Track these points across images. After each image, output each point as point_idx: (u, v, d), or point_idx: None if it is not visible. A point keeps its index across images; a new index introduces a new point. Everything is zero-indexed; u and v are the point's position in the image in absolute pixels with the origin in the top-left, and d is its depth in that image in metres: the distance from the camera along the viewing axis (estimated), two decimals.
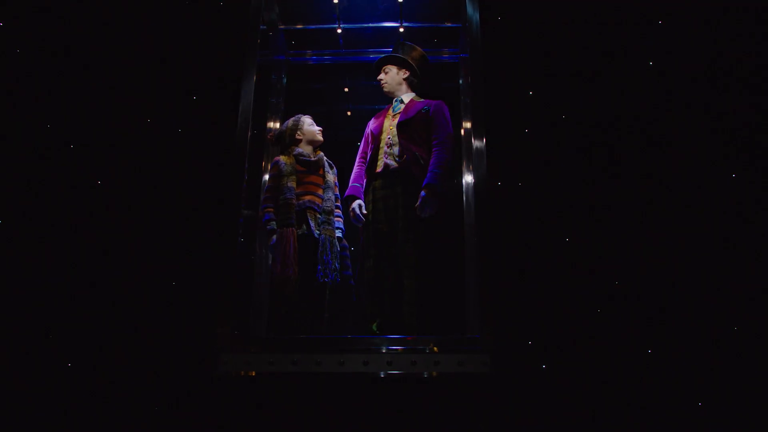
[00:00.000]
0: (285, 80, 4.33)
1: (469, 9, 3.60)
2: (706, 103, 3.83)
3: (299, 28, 4.24)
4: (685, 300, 3.37)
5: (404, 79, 3.87)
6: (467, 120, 3.64)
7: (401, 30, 4.19)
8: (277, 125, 4.13)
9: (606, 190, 3.61)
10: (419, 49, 3.90)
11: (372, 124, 3.84)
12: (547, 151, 3.64)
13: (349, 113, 4.57)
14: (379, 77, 3.90)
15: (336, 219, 3.62)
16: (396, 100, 3.84)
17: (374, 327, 3.48)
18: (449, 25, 4.12)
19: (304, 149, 3.67)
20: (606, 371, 3.20)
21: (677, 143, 3.71)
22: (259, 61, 3.60)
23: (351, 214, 3.66)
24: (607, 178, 3.64)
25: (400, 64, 3.88)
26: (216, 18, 3.76)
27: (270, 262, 3.52)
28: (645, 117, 3.70)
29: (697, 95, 3.84)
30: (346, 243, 3.99)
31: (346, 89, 4.54)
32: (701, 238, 3.52)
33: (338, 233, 3.60)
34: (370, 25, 4.18)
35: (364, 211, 3.64)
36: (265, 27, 4.05)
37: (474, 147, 3.35)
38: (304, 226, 3.46)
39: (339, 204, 3.71)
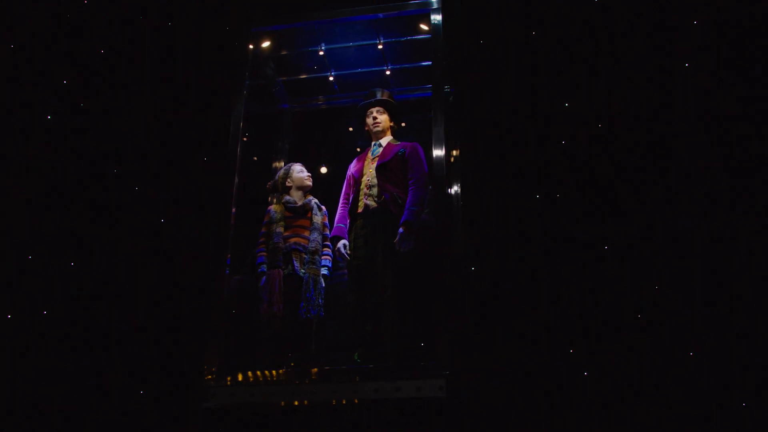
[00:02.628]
0: (290, 125, 4.76)
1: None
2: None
3: (297, 79, 4.65)
4: (646, 327, 3.50)
5: (390, 126, 4.18)
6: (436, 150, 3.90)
7: (388, 73, 4.51)
8: (281, 163, 4.62)
9: (568, 222, 3.80)
10: None
11: (353, 168, 4.16)
12: (513, 184, 3.90)
13: (358, 149, 4.91)
14: (375, 116, 4.15)
15: (324, 257, 3.97)
16: (375, 144, 4.14)
17: (356, 356, 3.81)
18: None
19: (294, 195, 4.06)
20: (557, 397, 3.40)
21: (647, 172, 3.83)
22: (245, 113, 4.11)
23: (336, 253, 4.00)
24: (572, 212, 3.83)
25: (390, 110, 4.19)
26: (209, 74, 4.27)
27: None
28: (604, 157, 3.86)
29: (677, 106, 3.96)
30: None
31: (351, 128, 4.88)
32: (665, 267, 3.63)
33: (324, 270, 3.94)
34: (359, 70, 4.53)
35: (349, 251, 3.96)
36: (263, 81, 4.51)
37: (435, 177, 3.71)
38: (290, 267, 3.84)
39: (328, 243, 4.05)
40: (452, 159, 4.30)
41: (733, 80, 3.90)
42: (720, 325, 3.43)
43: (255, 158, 4.78)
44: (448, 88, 4.30)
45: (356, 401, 3.39)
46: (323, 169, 4.82)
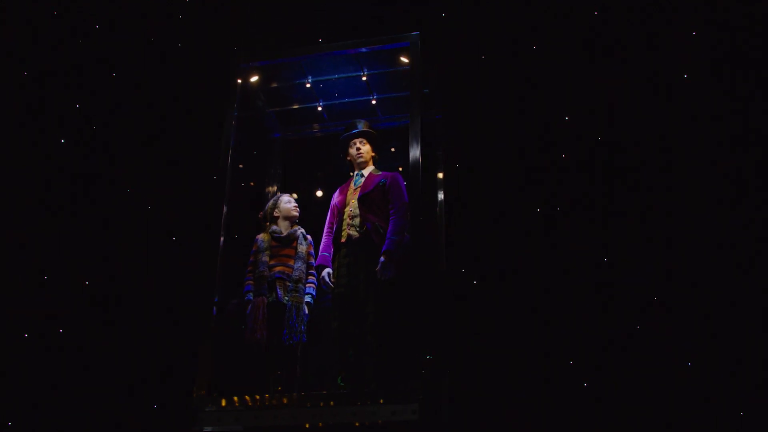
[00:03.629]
0: (282, 153, 4.95)
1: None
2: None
3: (287, 109, 4.83)
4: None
5: (372, 157, 4.33)
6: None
7: (374, 102, 4.65)
8: (275, 188, 4.84)
9: (548, 248, 3.92)
10: None
11: (336, 198, 4.30)
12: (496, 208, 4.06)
13: (351, 173, 5.07)
14: (358, 147, 4.30)
15: (308, 285, 4.14)
16: (357, 174, 4.28)
17: (339, 380, 3.96)
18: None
19: (281, 224, 4.23)
20: (532, 422, 3.52)
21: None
22: (235, 143, 4.28)
23: (321, 281, 4.15)
24: (551, 239, 3.95)
25: (372, 141, 4.33)
26: (201, 108, 4.49)
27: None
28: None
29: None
30: None
31: (342, 155, 5.02)
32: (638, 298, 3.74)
33: (308, 298, 4.10)
34: (347, 100, 4.68)
35: (333, 279, 4.11)
36: (254, 112, 4.72)
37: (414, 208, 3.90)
38: (274, 295, 4.01)
39: (313, 271, 4.20)
40: (439, 178, 4.50)
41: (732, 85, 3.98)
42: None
43: (252, 183, 5.00)
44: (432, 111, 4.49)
45: (338, 424, 3.56)
46: (319, 193, 4.99)
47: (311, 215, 4.58)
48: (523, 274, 4.06)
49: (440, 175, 4.57)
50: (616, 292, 3.87)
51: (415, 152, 3.91)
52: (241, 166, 4.69)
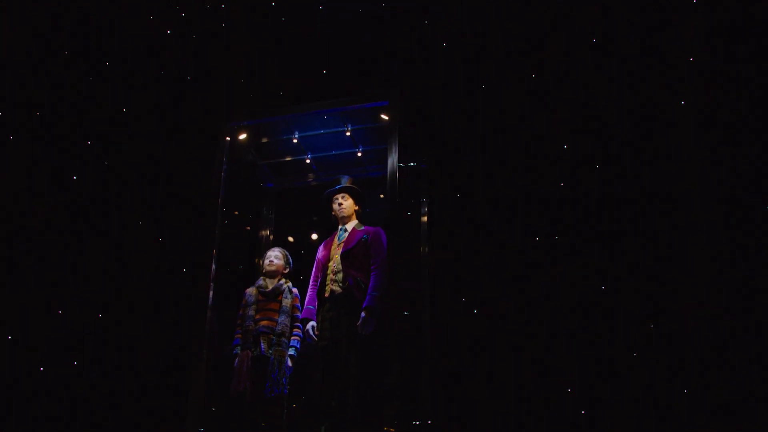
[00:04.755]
0: (275, 201, 5.15)
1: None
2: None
3: (278, 162, 5.01)
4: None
5: (355, 210, 4.47)
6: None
7: (359, 155, 4.80)
8: (267, 232, 5.05)
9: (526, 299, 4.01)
10: None
11: (321, 252, 4.45)
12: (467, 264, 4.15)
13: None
14: (340, 203, 4.45)
15: (293, 338, 4.30)
16: (341, 229, 4.42)
17: (323, 430, 4.11)
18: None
19: (265, 279, 4.42)
20: None
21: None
22: (225, 195, 4.41)
23: (306, 334, 4.30)
24: (532, 290, 4.03)
25: (355, 196, 4.48)
26: (194, 165, 4.69)
27: None
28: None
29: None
30: None
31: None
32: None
33: (291, 351, 4.26)
34: (333, 153, 4.84)
35: (317, 332, 4.25)
36: (247, 165, 4.91)
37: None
38: (258, 348, 4.18)
39: (298, 324, 4.36)
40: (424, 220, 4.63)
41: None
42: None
43: (248, 227, 5.22)
44: (413, 163, 4.62)
45: None
46: (314, 236, 5.17)
47: (305, 262, 4.74)
48: (509, 323, 4.12)
49: (424, 219, 4.70)
50: (609, 336, 3.90)
51: (393, 207, 4.01)
52: (237, 212, 4.91)
